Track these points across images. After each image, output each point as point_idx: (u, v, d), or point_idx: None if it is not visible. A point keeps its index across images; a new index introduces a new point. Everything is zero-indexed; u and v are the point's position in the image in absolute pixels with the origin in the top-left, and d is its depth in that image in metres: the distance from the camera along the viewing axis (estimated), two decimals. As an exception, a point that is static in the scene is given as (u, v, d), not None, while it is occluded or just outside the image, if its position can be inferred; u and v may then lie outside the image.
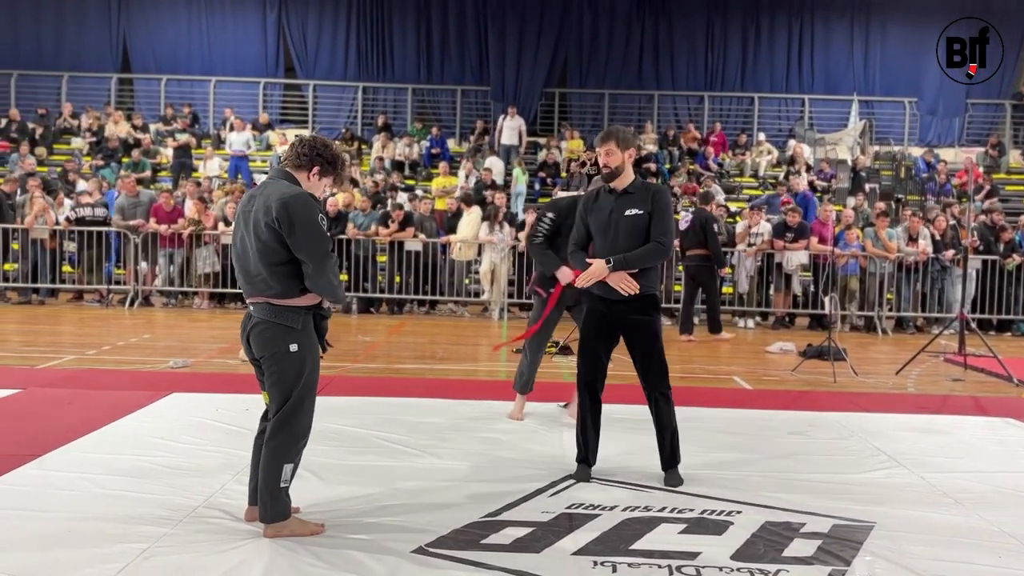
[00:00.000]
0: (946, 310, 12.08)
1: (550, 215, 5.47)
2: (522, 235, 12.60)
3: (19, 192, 13.13)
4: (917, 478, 4.65)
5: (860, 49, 20.00)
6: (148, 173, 16.44)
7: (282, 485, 3.48)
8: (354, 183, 14.85)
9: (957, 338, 9.25)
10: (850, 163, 17.18)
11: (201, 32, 20.04)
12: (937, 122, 19.89)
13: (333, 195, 12.65)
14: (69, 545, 3.37)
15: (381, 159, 17.51)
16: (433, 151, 18.04)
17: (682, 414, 4.62)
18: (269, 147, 18.07)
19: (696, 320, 11.18)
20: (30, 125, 18.16)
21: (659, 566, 3.31)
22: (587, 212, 4.51)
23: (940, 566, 3.39)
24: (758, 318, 12.60)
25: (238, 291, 3.68)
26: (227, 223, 12.08)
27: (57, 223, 12.43)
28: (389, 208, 13.10)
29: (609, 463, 4.61)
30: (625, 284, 4.29)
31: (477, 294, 12.96)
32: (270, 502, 3.48)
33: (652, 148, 17.61)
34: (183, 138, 17.33)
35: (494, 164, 16.47)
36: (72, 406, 5.74)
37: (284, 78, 20.26)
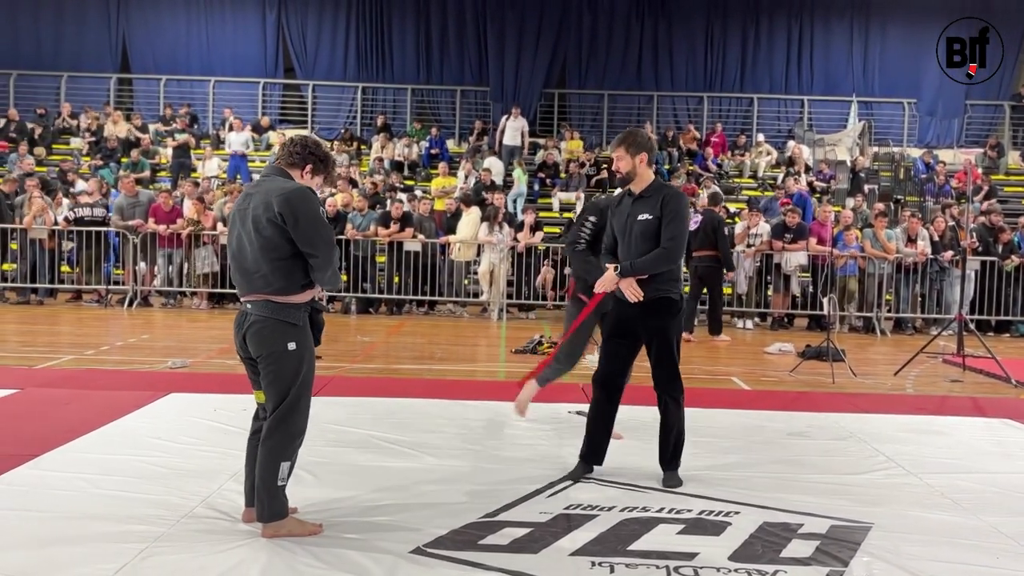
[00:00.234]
0: (945, 311, 12.08)
1: (592, 219, 5.25)
2: (520, 235, 12.62)
3: (18, 192, 13.13)
4: (915, 479, 4.65)
5: (859, 50, 20.00)
6: (147, 173, 16.44)
7: (279, 483, 3.48)
8: (352, 183, 14.84)
9: (956, 339, 9.25)
10: (849, 164, 17.17)
11: (200, 32, 20.03)
12: (936, 123, 19.90)
13: (332, 195, 12.64)
14: (66, 545, 3.36)
15: (380, 159, 17.51)
16: (432, 151, 18.04)
17: (681, 415, 4.61)
18: (269, 147, 18.05)
19: (695, 321, 11.18)
20: (29, 125, 18.16)
21: (657, 567, 3.31)
22: (612, 216, 4.53)
23: (938, 567, 3.40)
24: (757, 319, 12.60)
25: (237, 291, 3.65)
26: (226, 223, 12.05)
27: (56, 223, 12.42)
28: (389, 208, 13.09)
29: (607, 464, 4.59)
30: (631, 291, 4.30)
31: (476, 295, 12.96)
32: (267, 500, 3.48)
33: (651, 149, 17.58)
34: (182, 138, 17.33)
35: (493, 164, 16.48)
36: (70, 406, 5.73)
37: (283, 78, 20.26)
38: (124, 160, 17.00)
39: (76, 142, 18.27)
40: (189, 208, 12.70)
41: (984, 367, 8.52)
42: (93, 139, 18.01)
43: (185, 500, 3.90)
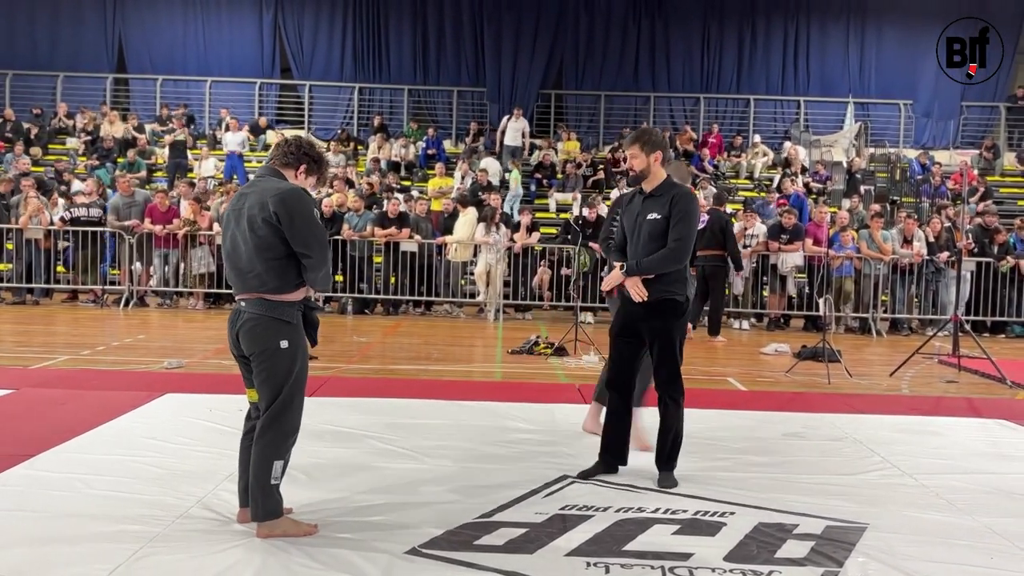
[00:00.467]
0: (940, 312, 12.10)
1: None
2: (517, 236, 12.62)
3: (14, 192, 13.10)
4: (910, 479, 4.66)
5: (856, 51, 20.05)
6: (143, 173, 16.43)
7: (273, 482, 3.48)
8: (349, 184, 14.83)
9: (951, 340, 9.26)
10: (845, 165, 17.19)
11: (197, 32, 20.01)
12: (932, 124, 19.95)
13: (328, 195, 12.63)
14: (61, 545, 3.36)
15: (377, 160, 17.51)
16: (429, 152, 18.05)
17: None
18: (267, 147, 18.05)
19: (699, 320, 11.17)
20: (25, 125, 18.12)
21: (652, 567, 3.32)
22: (623, 213, 4.54)
23: (933, 567, 3.40)
24: (753, 319, 12.60)
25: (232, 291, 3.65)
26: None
27: (52, 223, 12.40)
28: (386, 209, 13.08)
29: (603, 464, 4.60)
30: (636, 290, 4.31)
31: (473, 295, 12.96)
32: (261, 499, 3.48)
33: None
34: (179, 137, 17.30)
35: (490, 165, 16.48)
36: (66, 406, 5.72)
37: (280, 79, 20.23)
38: (120, 160, 16.98)
39: (72, 142, 18.24)
40: (185, 208, 12.68)
41: (979, 368, 8.53)
42: (89, 139, 17.99)
43: (180, 500, 3.90)
